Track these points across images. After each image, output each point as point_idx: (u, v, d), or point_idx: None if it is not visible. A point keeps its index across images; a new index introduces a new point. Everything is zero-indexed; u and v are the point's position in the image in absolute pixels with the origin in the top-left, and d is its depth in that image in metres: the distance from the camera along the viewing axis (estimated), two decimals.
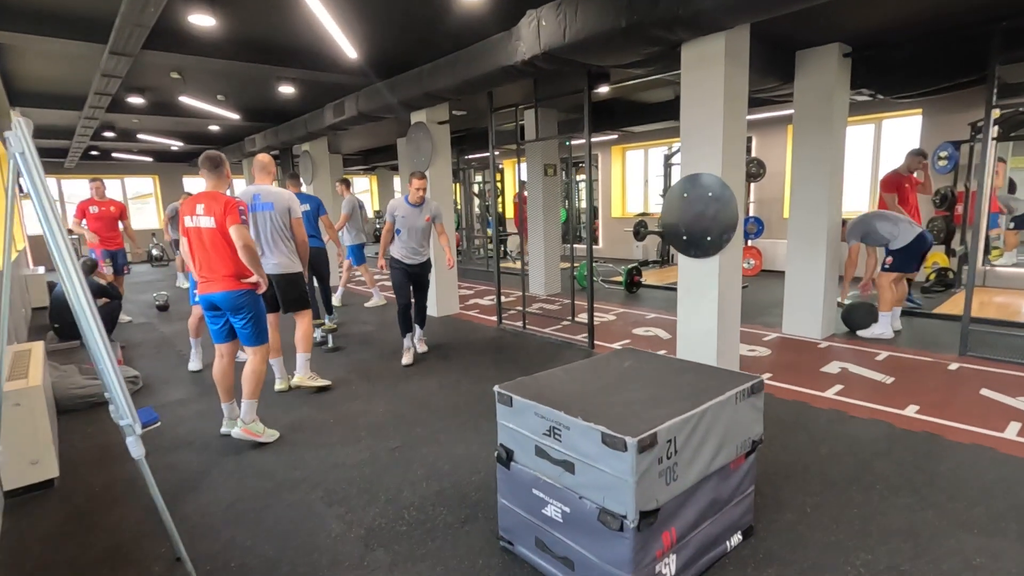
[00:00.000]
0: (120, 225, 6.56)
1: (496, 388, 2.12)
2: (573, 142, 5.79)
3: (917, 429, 3.13)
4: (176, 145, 11.28)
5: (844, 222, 5.14)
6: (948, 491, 2.49)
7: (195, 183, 15.75)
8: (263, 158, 3.84)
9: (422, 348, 4.98)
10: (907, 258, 4.85)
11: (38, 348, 3.49)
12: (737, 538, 2.15)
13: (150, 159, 13.68)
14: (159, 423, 3.57)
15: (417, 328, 4.90)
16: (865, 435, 3.08)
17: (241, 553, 2.23)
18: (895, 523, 2.27)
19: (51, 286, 7.19)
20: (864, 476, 2.65)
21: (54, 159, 12.42)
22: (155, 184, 15.35)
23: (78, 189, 14.52)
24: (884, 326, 4.95)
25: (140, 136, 9.89)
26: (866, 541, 2.16)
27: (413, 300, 4.70)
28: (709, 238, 3.73)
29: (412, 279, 4.61)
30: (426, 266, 4.67)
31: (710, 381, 2.11)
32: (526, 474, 2.03)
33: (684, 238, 3.85)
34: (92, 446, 3.31)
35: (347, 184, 7.06)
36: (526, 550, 2.10)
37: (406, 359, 4.64)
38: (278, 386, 4.09)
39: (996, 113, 4.30)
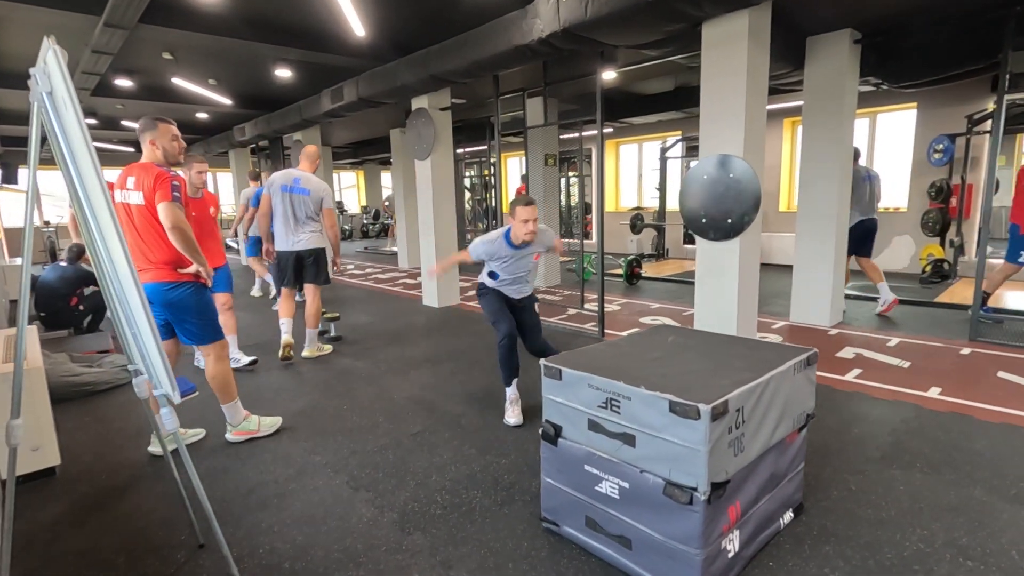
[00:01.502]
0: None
1: (542, 362, 2.02)
2: (584, 133, 5.70)
3: (944, 410, 3.11)
4: None
5: None
6: (990, 468, 2.46)
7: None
8: (312, 149, 4.33)
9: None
10: (851, 241, 5.16)
11: (33, 332, 3.29)
12: (789, 515, 2.09)
13: (131, 149, 13.26)
14: (197, 393, 3.39)
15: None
16: (894, 416, 3.05)
17: (269, 539, 2.10)
18: (944, 499, 2.23)
19: (34, 279, 6.91)
20: (902, 455, 2.61)
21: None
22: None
23: (53, 184, 13.99)
24: (884, 292, 5.27)
25: (124, 123, 9.56)
26: (919, 518, 2.12)
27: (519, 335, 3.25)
28: (730, 220, 3.67)
29: (514, 311, 3.25)
30: (532, 299, 3.37)
31: (765, 353, 2.04)
32: (577, 450, 1.93)
33: (703, 220, 3.80)
34: (90, 434, 3.13)
35: (257, 177, 6.93)
36: (574, 531, 2.00)
37: (511, 416, 3.09)
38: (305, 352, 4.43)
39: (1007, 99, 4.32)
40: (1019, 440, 2.72)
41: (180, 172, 2.96)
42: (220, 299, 3.88)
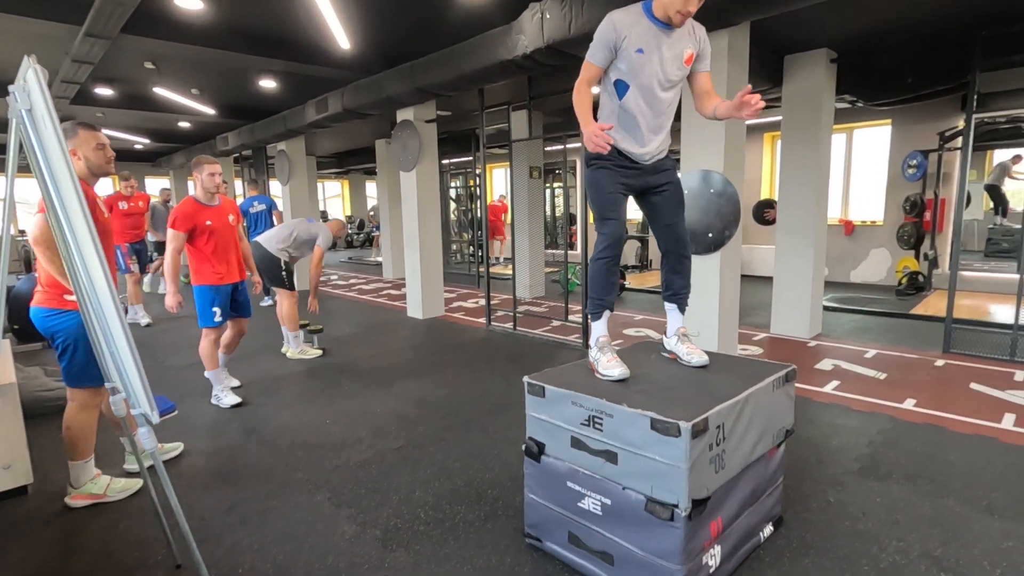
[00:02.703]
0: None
1: (526, 379, 2.04)
2: (567, 145, 5.75)
3: (919, 421, 3.18)
4: (141, 143, 10.81)
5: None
6: (963, 479, 2.52)
7: (158, 183, 15.14)
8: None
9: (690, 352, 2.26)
10: None
11: (5, 345, 3.21)
12: (769, 529, 2.11)
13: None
14: (176, 412, 3.32)
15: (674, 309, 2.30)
16: (871, 427, 3.11)
17: (250, 557, 2.07)
18: (920, 510, 2.28)
19: (8, 291, 6.75)
20: (879, 466, 2.66)
21: (3, 156, 11.75)
22: (114, 184, 14.67)
23: (27, 191, 13.69)
24: None
25: (104, 131, 9.42)
26: (895, 529, 2.16)
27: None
28: (711, 234, 3.73)
29: (643, 194, 2.21)
30: (669, 164, 2.23)
31: (744, 369, 2.08)
32: (560, 466, 1.94)
33: None
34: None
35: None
36: (557, 546, 2.00)
37: (610, 367, 2.01)
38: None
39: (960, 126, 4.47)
40: (991, 451, 2.79)
41: (118, 185, 2.79)
42: (234, 326, 3.68)
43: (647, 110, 2.06)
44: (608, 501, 1.81)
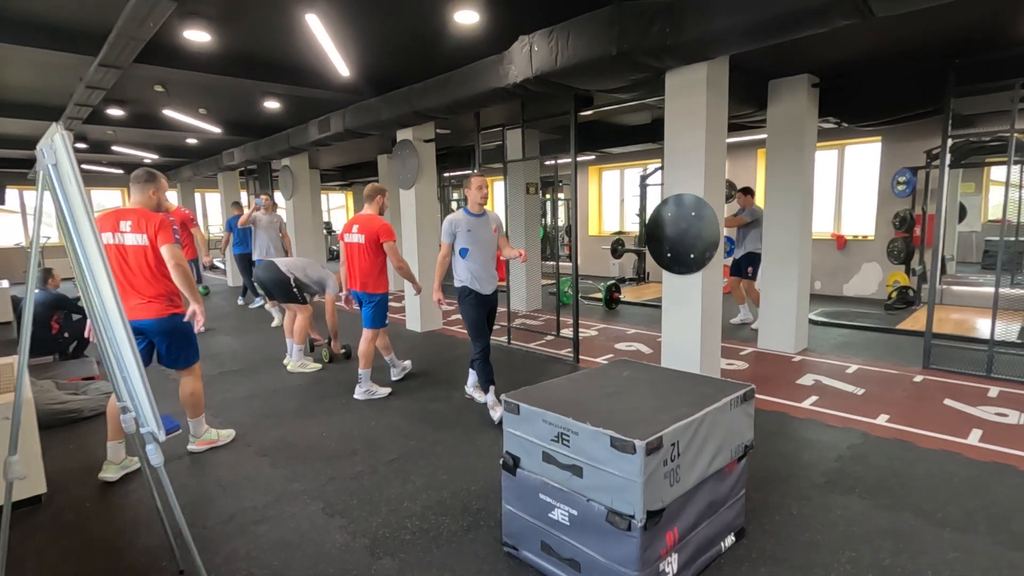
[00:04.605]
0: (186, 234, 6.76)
1: (503, 397, 2.20)
2: (559, 160, 5.94)
3: (889, 436, 3.32)
4: (150, 158, 11.09)
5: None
6: (922, 493, 2.66)
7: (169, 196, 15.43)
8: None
9: (481, 398, 3.94)
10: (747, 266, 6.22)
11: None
12: (730, 539, 2.26)
13: (120, 171, 13.38)
14: (180, 431, 3.52)
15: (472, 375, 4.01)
16: (842, 442, 3.25)
17: (247, 564, 2.23)
18: (876, 523, 2.42)
19: (15, 301, 6.97)
20: (844, 480, 2.80)
21: (18, 170, 12.05)
22: (123, 197, 14.99)
23: (33, 203, 14.15)
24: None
25: (114, 148, 9.71)
26: (850, 541, 2.30)
27: None
28: (692, 255, 3.90)
29: (488, 312, 3.74)
30: (497, 294, 3.82)
31: (706, 389, 2.23)
32: (533, 480, 2.10)
33: (669, 255, 4.01)
34: (76, 462, 3.23)
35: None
36: (531, 554, 2.16)
37: (497, 414, 3.60)
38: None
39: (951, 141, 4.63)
40: (953, 466, 2.93)
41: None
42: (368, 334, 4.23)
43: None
44: (575, 512, 1.96)
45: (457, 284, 3.70)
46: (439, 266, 3.69)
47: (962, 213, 8.28)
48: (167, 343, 3.01)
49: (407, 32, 4.32)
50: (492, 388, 3.71)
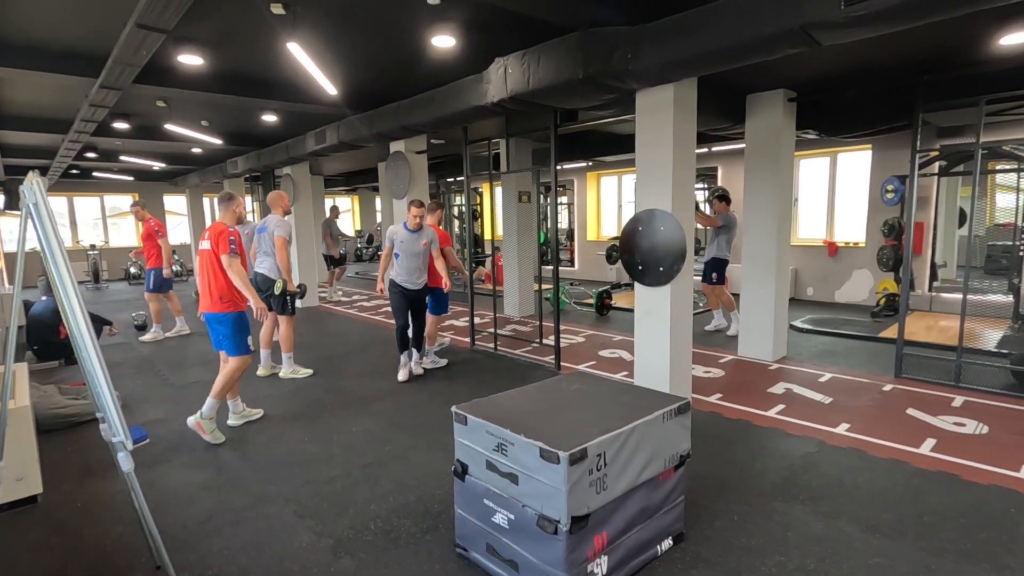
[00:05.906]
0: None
1: (453, 408, 2.37)
2: (564, 167, 6.11)
3: (845, 445, 3.44)
4: (158, 166, 11.41)
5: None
6: (861, 501, 2.79)
7: (176, 201, 15.83)
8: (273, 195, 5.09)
9: (419, 370, 5.14)
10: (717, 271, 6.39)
11: (22, 369, 3.64)
12: (668, 543, 2.41)
13: (131, 178, 13.76)
14: (148, 440, 3.74)
15: (414, 351, 5.12)
16: (797, 451, 3.38)
17: (219, 561, 2.42)
18: (811, 529, 2.55)
19: (27, 305, 7.25)
20: (790, 488, 2.93)
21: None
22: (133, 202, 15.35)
23: (88, 209, 15.07)
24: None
25: (123, 157, 10.02)
26: (782, 546, 2.44)
27: (411, 322, 4.98)
28: (661, 268, 4.04)
29: (410, 303, 4.89)
30: (424, 291, 4.95)
31: (643, 402, 2.39)
32: (478, 486, 2.27)
33: (640, 268, 4.16)
34: (73, 464, 3.45)
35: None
36: (479, 555, 2.33)
37: (402, 375, 4.98)
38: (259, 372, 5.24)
39: (936, 152, 4.73)
40: (898, 474, 3.05)
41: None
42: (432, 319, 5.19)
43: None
44: (513, 516, 2.13)
45: (389, 278, 4.88)
46: (382, 263, 4.88)
47: (962, 218, 8.31)
48: (215, 332, 3.76)
49: (388, 53, 4.51)
50: (405, 352, 4.98)
